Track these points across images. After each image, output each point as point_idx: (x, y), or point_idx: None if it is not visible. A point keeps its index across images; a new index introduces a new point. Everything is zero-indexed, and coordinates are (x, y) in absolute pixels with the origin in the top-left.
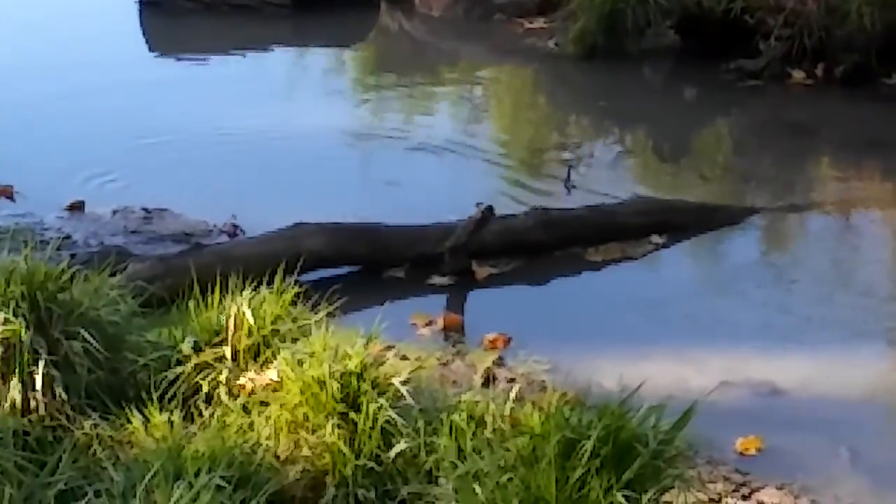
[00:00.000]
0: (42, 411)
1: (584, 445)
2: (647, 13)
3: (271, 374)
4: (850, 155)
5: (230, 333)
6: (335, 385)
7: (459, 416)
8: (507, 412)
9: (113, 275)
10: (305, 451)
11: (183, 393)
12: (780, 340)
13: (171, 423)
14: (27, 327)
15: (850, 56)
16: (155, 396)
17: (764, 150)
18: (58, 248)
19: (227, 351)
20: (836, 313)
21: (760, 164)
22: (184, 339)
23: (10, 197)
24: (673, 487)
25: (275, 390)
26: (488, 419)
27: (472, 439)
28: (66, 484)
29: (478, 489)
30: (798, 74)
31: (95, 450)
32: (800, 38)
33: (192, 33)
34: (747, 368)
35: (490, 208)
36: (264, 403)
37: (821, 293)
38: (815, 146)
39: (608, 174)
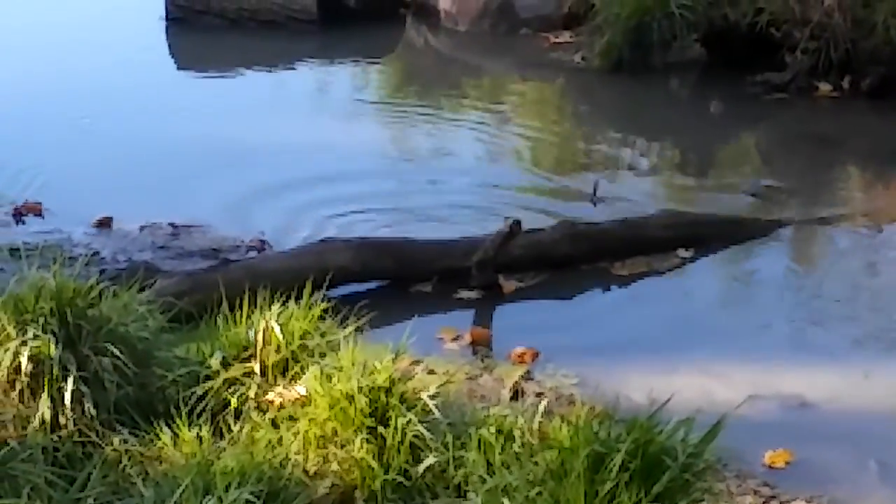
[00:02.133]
0: (71, 427)
1: (613, 459)
2: (672, 27)
3: (300, 389)
4: (878, 167)
5: (258, 349)
6: (364, 400)
7: (488, 430)
8: (535, 426)
9: (141, 290)
10: (334, 466)
11: (212, 408)
12: (808, 353)
13: (200, 438)
14: (56, 343)
15: (877, 68)
16: (184, 412)
17: (791, 163)
18: (86, 265)
19: (256, 366)
20: (865, 326)
21: (788, 177)
22: (212, 354)
23: (39, 214)
24: (702, 501)
25: (303, 405)
26: (517, 433)
27: (500, 453)
28: (95, 500)
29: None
30: (824, 87)
31: (125, 465)
32: (826, 50)
33: (218, 49)
34: (775, 382)
35: (517, 222)
36: (293, 418)
37: (849, 306)
38: (841, 158)
39: (635, 188)
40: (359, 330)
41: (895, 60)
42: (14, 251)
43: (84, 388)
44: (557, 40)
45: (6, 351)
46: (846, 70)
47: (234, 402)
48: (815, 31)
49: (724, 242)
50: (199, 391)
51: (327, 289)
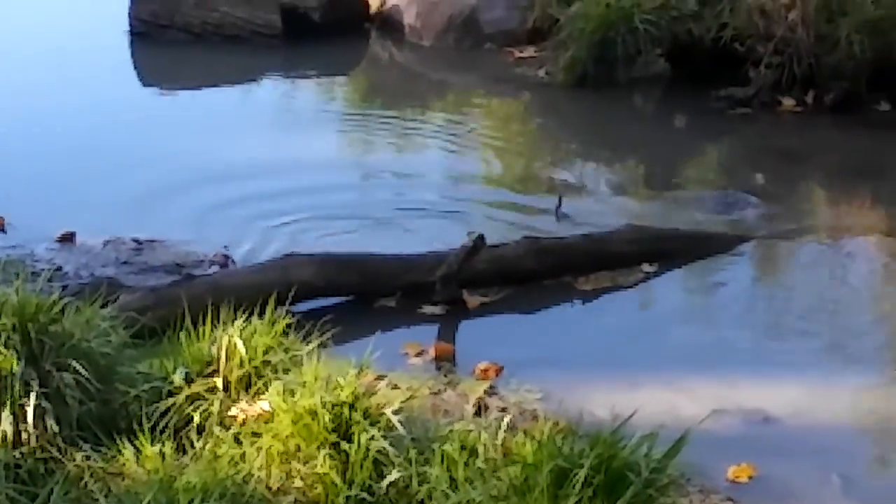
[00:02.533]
0: (34, 443)
1: (576, 474)
2: (637, 42)
3: (263, 404)
4: (841, 182)
5: (222, 364)
6: (327, 415)
7: (451, 445)
8: (499, 441)
9: (104, 306)
10: (297, 482)
11: (174, 424)
12: (771, 368)
13: (162, 454)
14: (19, 359)
15: (840, 83)
16: (146, 428)
17: (755, 178)
18: (49, 280)
19: (219, 382)
20: (828, 340)
21: (751, 192)
22: (175, 370)
23: (2, 228)
24: None
25: (266, 421)
26: (480, 448)
27: (464, 469)
28: None
29: None
30: (788, 102)
31: (87, 482)
32: (790, 65)
33: (182, 63)
34: (739, 396)
35: (481, 237)
36: (256, 434)
37: (812, 321)
38: (805, 173)
39: (599, 202)
40: (322, 345)
41: (858, 75)
42: None
43: (46, 404)
44: (522, 55)
45: None
46: (810, 85)
47: (196, 417)
48: (779, 46)
49: (688, 257)
50: (162, 407)
51: (291, 304)
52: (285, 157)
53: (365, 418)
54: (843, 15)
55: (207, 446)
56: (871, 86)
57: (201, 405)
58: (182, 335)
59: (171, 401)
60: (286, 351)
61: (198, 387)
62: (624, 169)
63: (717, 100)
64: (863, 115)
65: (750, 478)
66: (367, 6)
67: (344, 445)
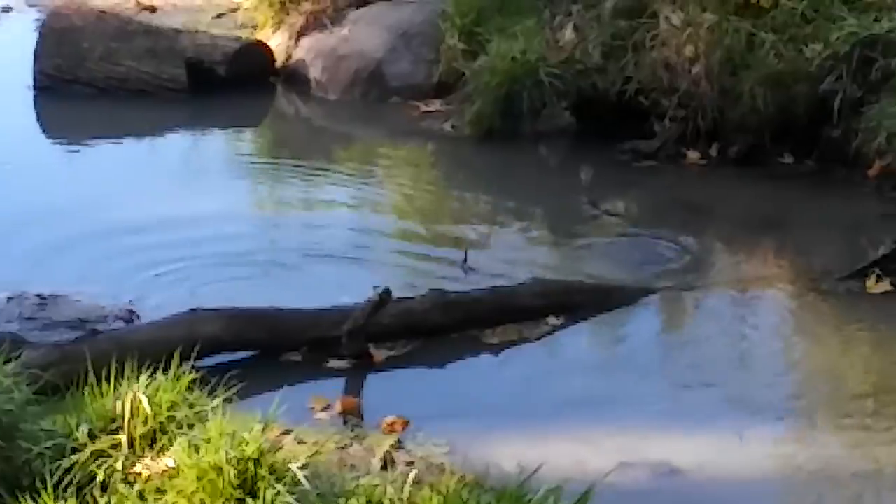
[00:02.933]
0: None
1: None
2: (542, 95)
3: (167, 461)
4: (746, 233)
5: (126, 420)
6: (232, 471)
7: (358, 500)
8: (405, 496)
9: (7, 362)
10: None
11: (78, 481)
12: (677, 419)
13: None
14: None
15: (744, 136)
16: (50, 485)
17: (660, 230)
18: None
19: (123, 438)
20: (733, 392)
21: (656, 244)
22: (79, 426)
23: None
24: None
25: (171, 477)
26: (386, 503)
27: None
28: None
29: None
30: (693, 155)
31: None
32: (694, 118)
33: (88, 118)
34: (646, 448)
35: (387, 291)
36: (161, 491)
37: (718, 372)
38: (710, 225)
39: (506, 255)
40: (228, 400)
41: (762, 128)
42: None
43: None
44: (428, 109)
45: None
46: (714, 138)
47: (100, 474)
48: (683, 99)
49: (594, 310)
50: (66, 464)
51: (197, 359)
52: (191, 209)
53: (271, 474)
54: (747, 68)
55: (111, 503)
56: (775, 138)
57: (105, 462)
58: (86, 391)
59: (74, 458)
60: (191, 406)
61: (102, 443)
62: (530, 221)
63: (623, 153)
64: (766, 168)
65: None
66: (273, 60)
67: (249, 502)
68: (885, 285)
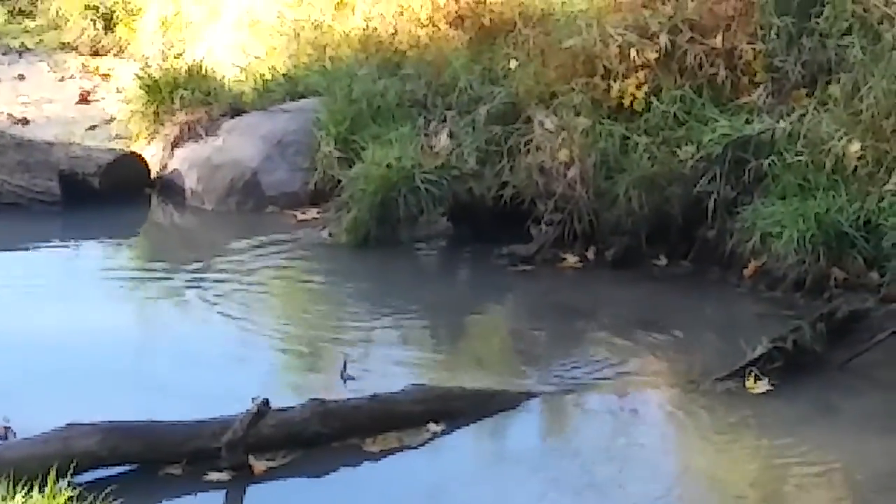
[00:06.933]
0: None
1: None
2: (419, 201)
3: None
4: (624, 335)
5: None
6: None
7: None
8: None
9: None
10: None
11: None
12: None
13: None
14: None
15: (620, 238)
16: None
17: (538, 334)
18: None
19: None
20: (618, 494)
21: (536, 348)
22: None
23: None
24: None
25: None
26: None
27: None
28: None
29: None
30: (570, 258)
31: None
32: (570, 222)
33: None
34: None
35: (266, 401)
36: None
37: (602, 475)
38: (588, 328)
39: (384, 362)
40: None
41: (637, 230)
42: None
43: None
44: (304, 217)
45: None
46: (591, 241)
47: None
48: (559, 203)
49: (474, 415)
50: None
51: (74, 474)
52: (66, 325)
53: None
54: (621, 171)
55: None
56: (650, 241)
57: None
58: None
59: None
60: None
61: None
62: (409, 328)
63: (500, 257)
64: (642, 270)
65: None
66: (149, 171)
67: None
68: (765, 385)
